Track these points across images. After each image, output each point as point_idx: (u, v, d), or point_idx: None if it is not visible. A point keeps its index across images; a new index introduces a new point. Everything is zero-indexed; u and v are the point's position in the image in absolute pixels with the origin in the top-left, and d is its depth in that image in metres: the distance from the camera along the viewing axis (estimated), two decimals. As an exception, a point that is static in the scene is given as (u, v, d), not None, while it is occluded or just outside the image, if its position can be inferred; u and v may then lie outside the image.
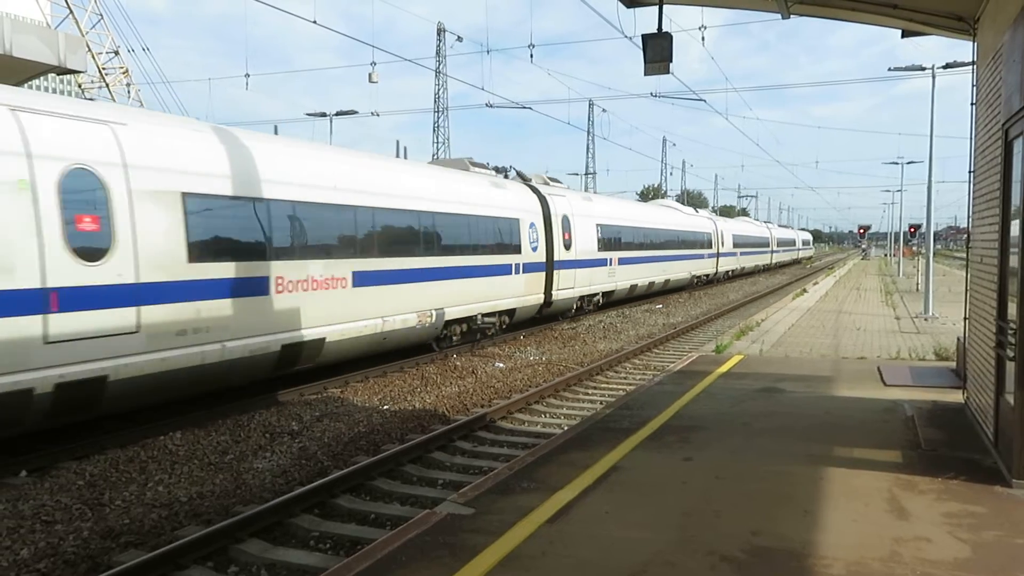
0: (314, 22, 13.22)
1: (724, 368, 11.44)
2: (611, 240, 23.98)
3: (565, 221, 20.67)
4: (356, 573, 4.42)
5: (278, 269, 10.86)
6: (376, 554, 4.67)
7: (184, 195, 9.61)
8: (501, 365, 14.63)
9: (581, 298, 22.02)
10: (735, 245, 45.01)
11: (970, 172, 8.03)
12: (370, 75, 37.95)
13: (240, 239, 10.47)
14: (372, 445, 9.19)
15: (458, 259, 15.53)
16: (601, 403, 11.46)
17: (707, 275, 38.32)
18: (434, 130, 56.50)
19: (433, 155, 55.90)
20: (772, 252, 60.54)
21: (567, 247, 20.59)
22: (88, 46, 29.64)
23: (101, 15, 30.56)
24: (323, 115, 33.87)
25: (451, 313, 15.14)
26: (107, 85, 31.57)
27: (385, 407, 11.02)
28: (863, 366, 11.63)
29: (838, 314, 21.09)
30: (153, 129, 9.66)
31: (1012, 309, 5.91)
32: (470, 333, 16.29)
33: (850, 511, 5.29)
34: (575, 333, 19.47)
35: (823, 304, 24.50)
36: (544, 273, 19.29)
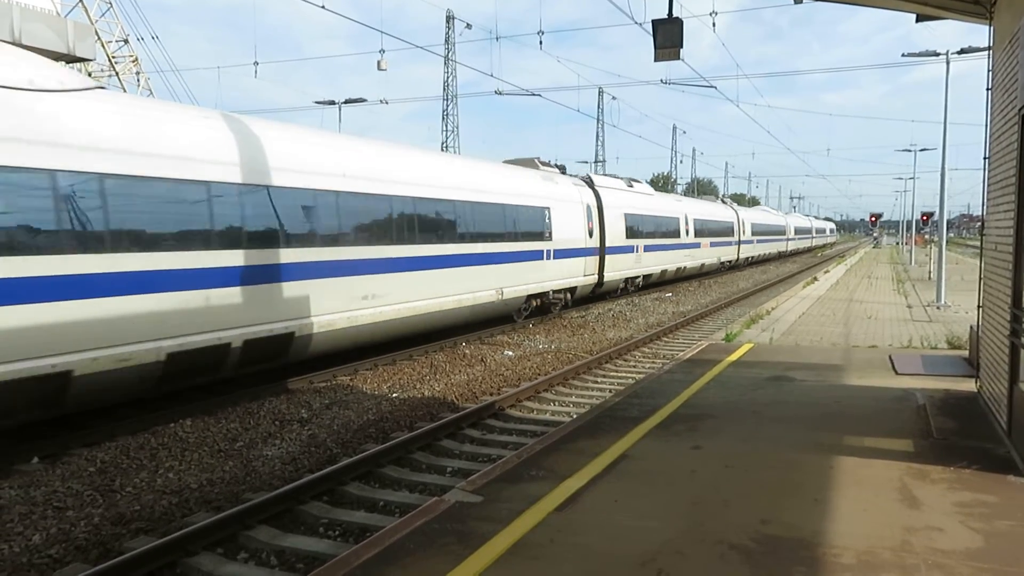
0: (323, 7, 13.15)
1: (734, 356, 11.39)
2: (756, 231, 49.02)
3: (743, 222, 44.34)
4: (365, 560, 4.42)
5: (639, 243, 26.00)
6: (385, 541, 4.68)
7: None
8: (510, 353, 14.62)
9: (745, 259, 45.45)
10: (795, 233, 70.18)
11: (985, 159, 7.92)
12: (379, 63, 37.81)
13: (649, 230, 27.49)
14: (381, 433, 9.21)
15: (719, 239, 37.79)
16: (610, 391, 11.44)
17: (781, 251, 61.33)
18: (443, 118, 56.31)
19: (442, 143, 55.69)
20: (812, 237, 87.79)
21: (743, 233, 44.44)
22: (97, 34, 29.66)
23: (110, 3, 30.55)
24: (332, 103, 33.84)
25: (722, 260, 38.49)
26: (117, 74, 31.61)
27: (394, 395, 11.04)
28: (874, 355, 11.55)
29: (849, 302, 20.97)
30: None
31: (1027, 297, 5.83)
32: (722, 268, 39.25)
33: (861, 500, 5.25)
34: (584, 321, 19.44)
35: (834, 292, 24.36)
36: (737, 246, 42.60)
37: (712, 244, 36.18)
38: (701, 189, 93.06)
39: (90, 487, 7.16)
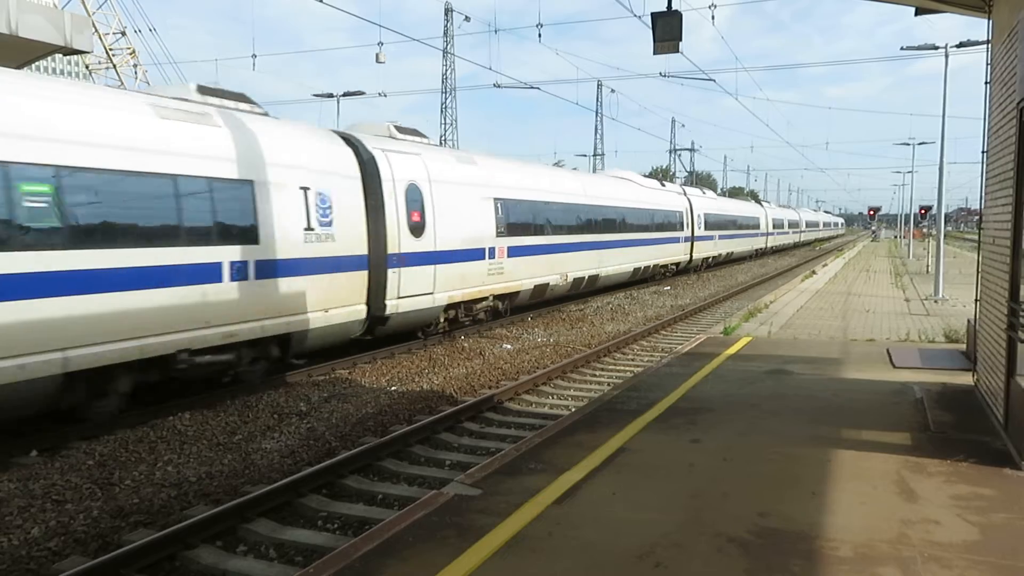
0: (321, 1, 13.09)
1: (732, 350, 11.41)
2: (807, 225, 77.26)
3: (802, 219, 74.01)
4: (364, 553, 4.44)
5: (775, 231, 57.39)
6: (384, 534, 4.69)
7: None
8: (509, 347, 14.63)
9: (803, 241, 74.88)
10: (823, 225, 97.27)
11: (983, 152, 7.92)
12: (377, 55, 37.66)
13: (776, 225, 59.90)
14: (380, 426, 9.22)
15: (794, 229, 68.63)
16: (609, 385, 11.46)
17: (818, 237, 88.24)
18: (441, 111, 56.20)
19: (441, 136, 55.59)
20: (831, 228, 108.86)
21: (803, 226, 74.63)
22: (95, 26, 29.54)
23: (107, -5, 30.44)
24: (330, 96, 33.75)
25: (793, 242, 69.16)
26: (114, 66, 31.52)
27: (393, 388, 11.05)
28: (872, 348, 11.57)
29: (847, 296, 20.99)
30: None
31: (1025, 291, 5.84)
32: (783, 249, 62.66)
33: (858, 493, 5.27)
34: (583, 315, 19.45)
35: (832, 286, 24.38)
36: (799, 233, 72.10)
37: (792, 232, 65.39)
38: (700, 182, 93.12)
39: (89, 480, 7.16)
